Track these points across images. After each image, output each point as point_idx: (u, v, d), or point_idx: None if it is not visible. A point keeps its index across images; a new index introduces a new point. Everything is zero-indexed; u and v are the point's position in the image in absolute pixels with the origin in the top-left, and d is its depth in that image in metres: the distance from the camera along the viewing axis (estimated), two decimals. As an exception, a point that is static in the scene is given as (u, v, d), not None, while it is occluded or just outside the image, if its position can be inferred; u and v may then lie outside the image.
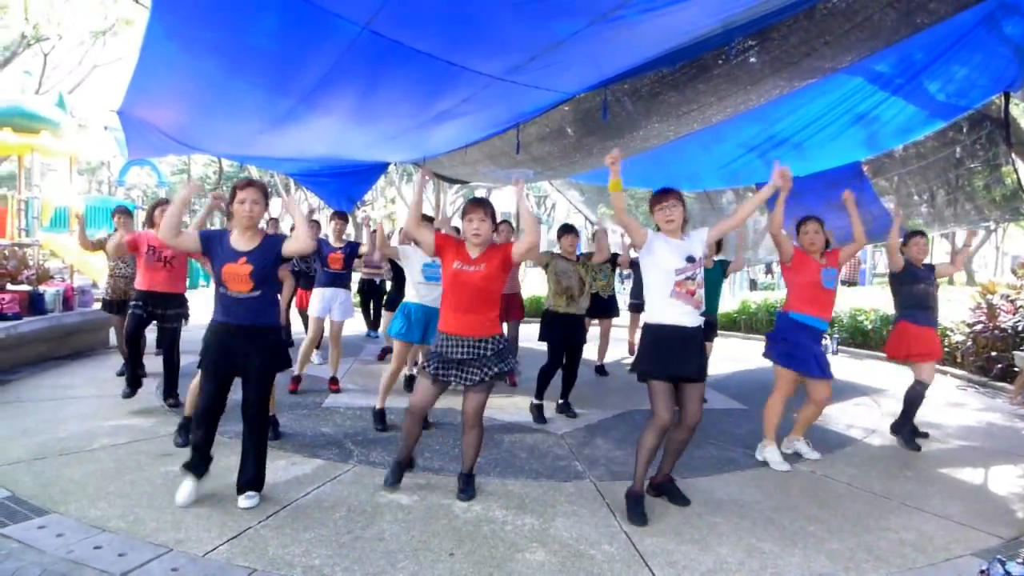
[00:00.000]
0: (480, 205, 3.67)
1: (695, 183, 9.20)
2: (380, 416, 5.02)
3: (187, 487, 3.50)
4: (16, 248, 9.27)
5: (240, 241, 3.51)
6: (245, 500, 3.49)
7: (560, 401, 5.65)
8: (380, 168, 9.64)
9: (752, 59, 4.35)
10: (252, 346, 3.47)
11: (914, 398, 5.13)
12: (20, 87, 14.53)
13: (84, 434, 4.58)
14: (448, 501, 3.69)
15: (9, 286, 7.09)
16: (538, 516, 3.54)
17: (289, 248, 3.53)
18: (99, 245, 6.30)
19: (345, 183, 9.46)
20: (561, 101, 5.32)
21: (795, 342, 4.45)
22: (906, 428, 5.14)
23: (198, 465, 3.54)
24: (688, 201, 10.30)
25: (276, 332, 3.63)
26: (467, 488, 3.76)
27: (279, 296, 3.78)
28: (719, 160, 7.42)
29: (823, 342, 4.78)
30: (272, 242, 3.56)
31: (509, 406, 5.80)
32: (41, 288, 7.34)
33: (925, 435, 5.28)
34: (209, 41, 4.09)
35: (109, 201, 15.77)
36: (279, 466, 4.09)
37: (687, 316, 3.57)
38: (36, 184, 12.27)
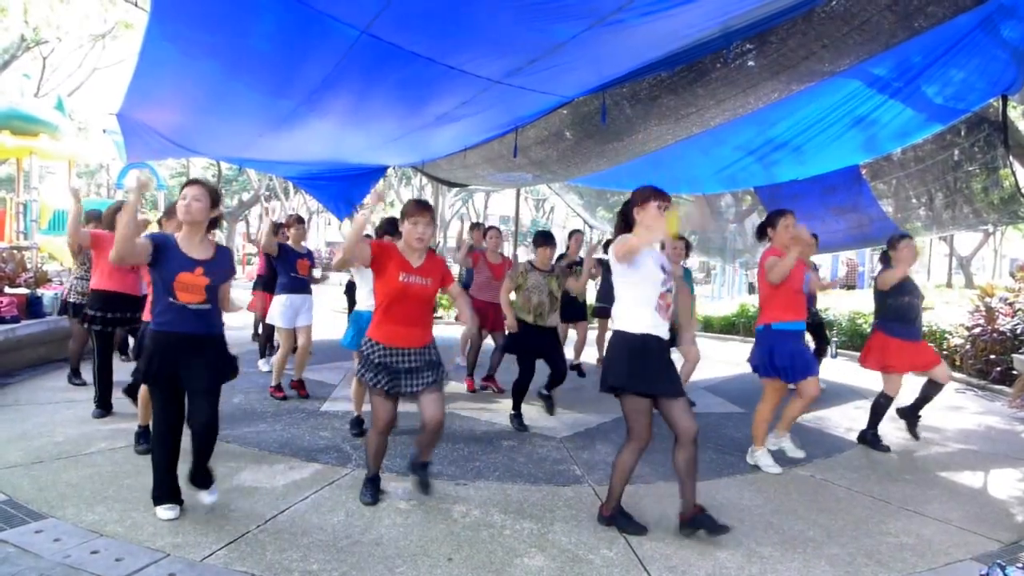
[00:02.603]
0: (427, 209, 3.57)
1: (694, 186, 9.21)
2: (358, 422, 4.93)
3: (166, 511, 3.34)
4: (14, 251, 9.26)
5: (191, 247, 3.33)
6: (209, 496, 3.43)
7: (544, 392, 5.61)
8: (379, 171, 9.65)
9: (750, 62, 4.36)
10: (199, 356, 3.31)
11: (876, 405, 5.15)
12: (19, 90, 14.49)
13: (81, 438, 4.56)
14: (446, 506, 3.68)
15: (7, 289, 7.08)
16: (536, 521, 3.53)
17: (221, 296, 3.45)
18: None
19: (344, 186, 9.47)
20: (560, 105, 5.33)
21: (790, 352, 4.34)
22: (911, 420, 5.29)
23: (166, 494, 3.35)
24: (687, 205, 10.32)
25: (223, 341, 3.48)
26: (421, 471, 3.71)
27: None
28: (718, 163, 7.43)
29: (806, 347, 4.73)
30: (226, 257, 3.45)
31: (504, 411, 5.78)
32: (39, 291, 7.33)
33: (916, 437, 5.29)
34: (208, 44, 4.10)
35: (108, 204, 15.76)
36: (277, 470, 4.08)
37: (660, 328, 3.38)
38: (35, 187, 12.25)
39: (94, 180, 37.05)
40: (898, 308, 5.03)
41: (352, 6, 3.44)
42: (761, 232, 4.61)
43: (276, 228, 7.32)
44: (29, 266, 8.53)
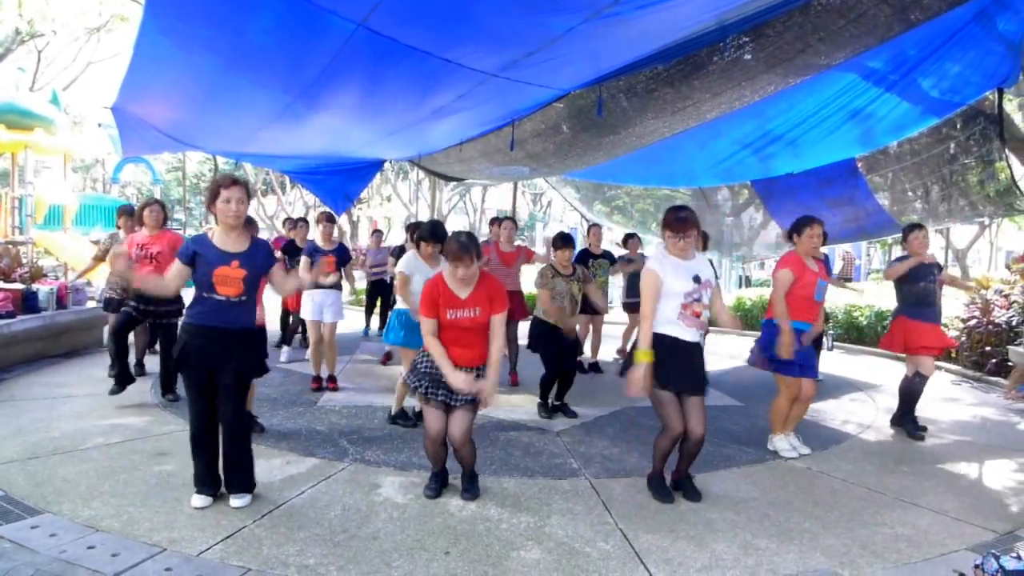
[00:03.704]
0: (467, 252, 3.46)
1: (690, 180, 9.21)
2: (403, 415, 5.10)
3: (197, 500, 3.46)
4: (9, 246, 9.23)
5: (228, 242, 3.40)
6: (236, 500, 3.47)
7: (556, 402, 5.62)
8: (376, 165, 9.62)
9: (747, 55, 4.35)
10: (233, 351, 3.38)
11: (912, 390, 5.26)
12: (14, 84, 14.41)
13: (78, 433, 4.56)
14: (443, 499, 3.68)
15: (2, 284, 7.05)
16: (533, 514, 3.54)
17: (274, 283, 3.56)
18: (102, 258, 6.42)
19: (341, 181, 9.44)
20: (556, 98, 5.31)
21: (799, 351, 4.44)
22: (907, 419, 5.27)
23: (199, 483, 3.47)
24: (684, 198, 10.32)
25: (257, 335, 3.56)
26: (471, 487, 3.74)
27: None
28: (714, 157, 7.43)
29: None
30: (263, 249, 3.49)
31: (504, 404, 5.79)
32: (34, 286, 7.30)
33: (924, 429, 5.31)
34: (204, 38, 4.08)
35: (104, 199, 15.72)
36: (274, 465, 4.08)
37: (690, 334, 3.64)
38: (30, 182, 12.23)
39: (90, 174, 36.87)
40: (916, 293, 5.23)
41: (348, -1, 3.43)
42: (789, 237, 4.74)
43: (294, 224, 7.50)
44: (24, 261, 8.51)
